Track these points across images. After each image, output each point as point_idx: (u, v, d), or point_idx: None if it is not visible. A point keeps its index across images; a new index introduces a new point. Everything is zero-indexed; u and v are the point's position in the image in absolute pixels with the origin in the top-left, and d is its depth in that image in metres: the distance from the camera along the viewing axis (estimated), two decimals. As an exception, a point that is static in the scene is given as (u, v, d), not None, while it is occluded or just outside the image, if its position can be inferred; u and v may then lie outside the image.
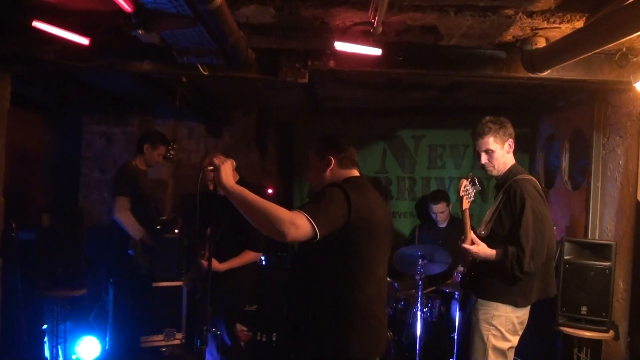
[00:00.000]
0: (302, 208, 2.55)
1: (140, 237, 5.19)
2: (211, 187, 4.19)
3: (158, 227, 5.30)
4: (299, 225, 2.47)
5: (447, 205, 6.06)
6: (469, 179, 3.50)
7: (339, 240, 2.65)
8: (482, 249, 3.45)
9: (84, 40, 3.76)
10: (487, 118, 3.63)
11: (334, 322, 2.74)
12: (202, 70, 4.19)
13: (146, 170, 5.56)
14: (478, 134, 3.61)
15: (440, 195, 6.10)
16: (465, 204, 3.48)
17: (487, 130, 3.57)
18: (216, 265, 4.19)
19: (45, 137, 6.96)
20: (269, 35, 3.87)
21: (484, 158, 3.64)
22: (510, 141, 3.63)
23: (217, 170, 2.66)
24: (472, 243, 3.47)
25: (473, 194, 3.51)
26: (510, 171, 3.63)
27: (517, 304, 3.49)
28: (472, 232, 3.51)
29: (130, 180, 5.27)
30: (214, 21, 3.05)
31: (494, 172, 3.67)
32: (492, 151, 3.59)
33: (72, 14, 3.62)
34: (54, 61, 4.15)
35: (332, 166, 2.95)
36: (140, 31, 3.26)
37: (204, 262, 3.89)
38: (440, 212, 6.04)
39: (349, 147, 3.01)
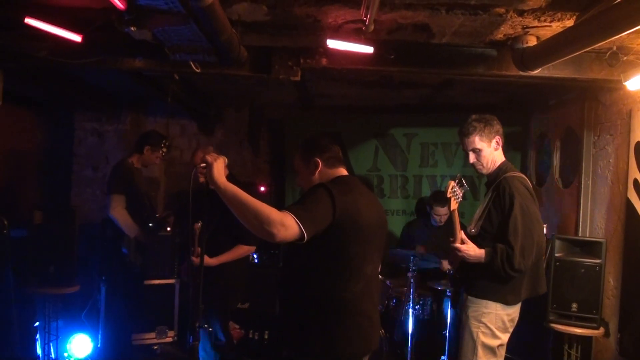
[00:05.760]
0: (289, 209, 2.54)
1: (135, 235, 5.17)
2: (202, 180, 4.19)
3: (151, 224, 5.29)
4: (287, 226, 2.45)
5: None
6: (457, 180, 3.50)
7: (324, 239, 2.64)
8: (472, 249, 3.44)
9: (76, 37, 3.76)
10: (473, 117, 3.61)
11: (321, 320, 2.74)
12: (194, 68, 4.20)
13: (141, 169, 5.54)
14: (463, 134, 3.61)
15: (445, 198, 5.97)
16: (454, 205, 3.49)
17: (472, 129, 3.56)
18: (208, 260, 4.18)
19: (37, 134, 6.93)
20: (262, 33, 3.88)
21: (472, 157, 3.64)
22: (498, 138, 3.60)
23: (209, 167, 2.65)
24: (462, 243, 3.48)
25: (461, 195, 3.51)
26: (500, 169, 3.62)
27: (507, 302, 3.48)
28: (462, 231, 3.51)
29: (126, 178, 5.24)
30: (206, 18, 3.05)
31: (484, 171, 3.67)
32: (479, 150, 3.58)
33: (64, 11, 3.61)
34: (46, 58, 4.15)
35: (320, 168, 2.95)
36: (132, 28, 3.27)
37: (195, 259, 3.87)
38: (444, 214, 5.84)
39: (333, 145, 3.00)
